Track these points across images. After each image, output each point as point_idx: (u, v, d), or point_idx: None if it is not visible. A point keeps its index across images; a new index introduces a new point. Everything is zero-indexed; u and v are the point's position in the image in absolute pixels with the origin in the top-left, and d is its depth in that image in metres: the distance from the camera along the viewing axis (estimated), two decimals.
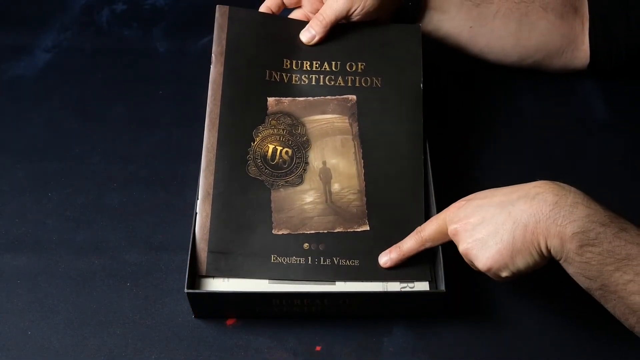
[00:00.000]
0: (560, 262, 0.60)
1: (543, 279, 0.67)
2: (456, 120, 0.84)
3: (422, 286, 0.68)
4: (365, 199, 0.71)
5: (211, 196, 0.69)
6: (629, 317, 0.60)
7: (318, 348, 0.67)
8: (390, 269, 0.68)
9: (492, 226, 0.60)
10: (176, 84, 0.88)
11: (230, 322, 0.68)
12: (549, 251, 0.59)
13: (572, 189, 0.60)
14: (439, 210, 0.67)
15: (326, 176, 0.72)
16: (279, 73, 0.75)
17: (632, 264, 0.57)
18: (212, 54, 0.75)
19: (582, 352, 0.67)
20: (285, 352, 0.67)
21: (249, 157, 0.71)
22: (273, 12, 0.81)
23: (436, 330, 0.68)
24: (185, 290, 0.64)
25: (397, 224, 0.69)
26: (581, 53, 0.83)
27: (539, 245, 0.59)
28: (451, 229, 0.63)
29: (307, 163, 0.72)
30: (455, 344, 0.67)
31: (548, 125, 0.84)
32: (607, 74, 0.85)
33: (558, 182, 0.61)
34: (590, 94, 0.87)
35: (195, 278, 0.67)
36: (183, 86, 0.87)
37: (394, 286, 0.68)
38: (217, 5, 0.78)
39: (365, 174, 0.72)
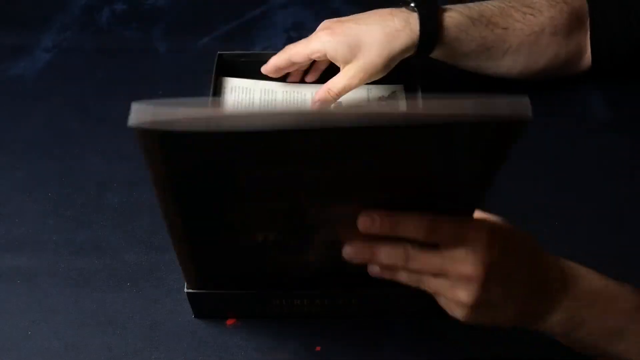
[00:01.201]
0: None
1: None
2: None
3: None
4: None
5: None
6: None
7: (318, 348, 0.67)
8: None
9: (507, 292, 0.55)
10: (176, 84, 0.88)
11: (230, 322, 0.68)
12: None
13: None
14: None
15: None
16: None
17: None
18: None
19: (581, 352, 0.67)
20: (285, 352, 0.67)
21: None
22: (281, 70, 0.81)
23: (436, 330, 0.68)
24: (185, 290, 0.64)
25: None
26: (585, 60, 0.83)
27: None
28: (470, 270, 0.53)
29: None
30: (455, 344, 0.67)
31: (549, 125, 0.84)
32: (608, 74, 0.85)
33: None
34: (591, 93, 0.87)
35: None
36: (183, 86, 0.87)
37: None
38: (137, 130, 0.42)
39: None
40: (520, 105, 0.42)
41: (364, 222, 0.51)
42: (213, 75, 0.81)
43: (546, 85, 0.87)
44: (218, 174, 0.48)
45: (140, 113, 0.41)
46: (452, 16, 0.77)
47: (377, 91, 0.83)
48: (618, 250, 0.73)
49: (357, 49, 0.75)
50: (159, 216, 0.75)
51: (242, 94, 0.82)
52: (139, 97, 0.90)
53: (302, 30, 0.93)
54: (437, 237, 0.52)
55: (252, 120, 0.41)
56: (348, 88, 0.77)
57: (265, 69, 0.81)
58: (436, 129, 0.44)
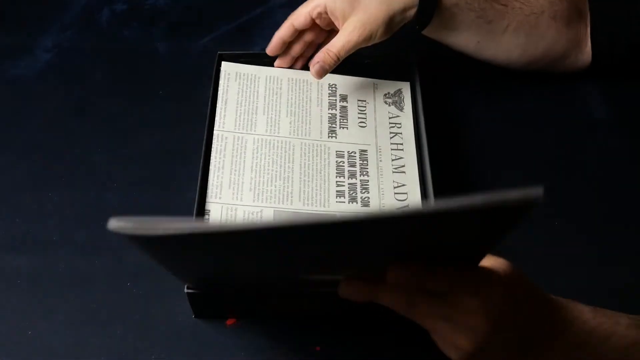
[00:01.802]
0: None
1: (542, 280, 0.66)
2: (455, 119, 0.84)
3: None
4: None
5: None
6: None
7: (318, 348, 0.67)
8: None
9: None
10: (176, 84, 0.88)
11: (230, 322, 0.68)
12: None
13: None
14: None
15: None
16: None
17: None
18: None
19: None
20: (286, 352, 0.67)
21: None
22: (285, 42, 0.80)
23: None
24: (185, 290, 0.64)
25: None
26: (584, 55, 0.83)
27: None
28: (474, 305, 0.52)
29: None
30: None
31: (548, 125, 0.84)
32: (608, 72, 0.85)
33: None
34: (591, 93, 0.87)
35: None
36: (183, 86, 0.87)
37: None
38: None
39: None
40: (531, 192, 0.42)
41: (394, 274, 0.52)
42: (213, 75, 0.81)
43: (545, 83, 0.87)
44: (208, 257, 0.54)
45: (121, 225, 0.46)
46: None
47: (383, 86, 0.82)
48: (618, 249, 0.73)
49: (356, 2, 0.75)
50: (159, 216, 0.76)
51: (247, 82, 0.82)
52: (139, 97, 0.91)
53: None
54: (454, 288, 0.52)
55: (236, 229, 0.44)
56: (347, 45, 0.76)
57: (270, 47, 0.81)
58: (449, 218, 0.45)
